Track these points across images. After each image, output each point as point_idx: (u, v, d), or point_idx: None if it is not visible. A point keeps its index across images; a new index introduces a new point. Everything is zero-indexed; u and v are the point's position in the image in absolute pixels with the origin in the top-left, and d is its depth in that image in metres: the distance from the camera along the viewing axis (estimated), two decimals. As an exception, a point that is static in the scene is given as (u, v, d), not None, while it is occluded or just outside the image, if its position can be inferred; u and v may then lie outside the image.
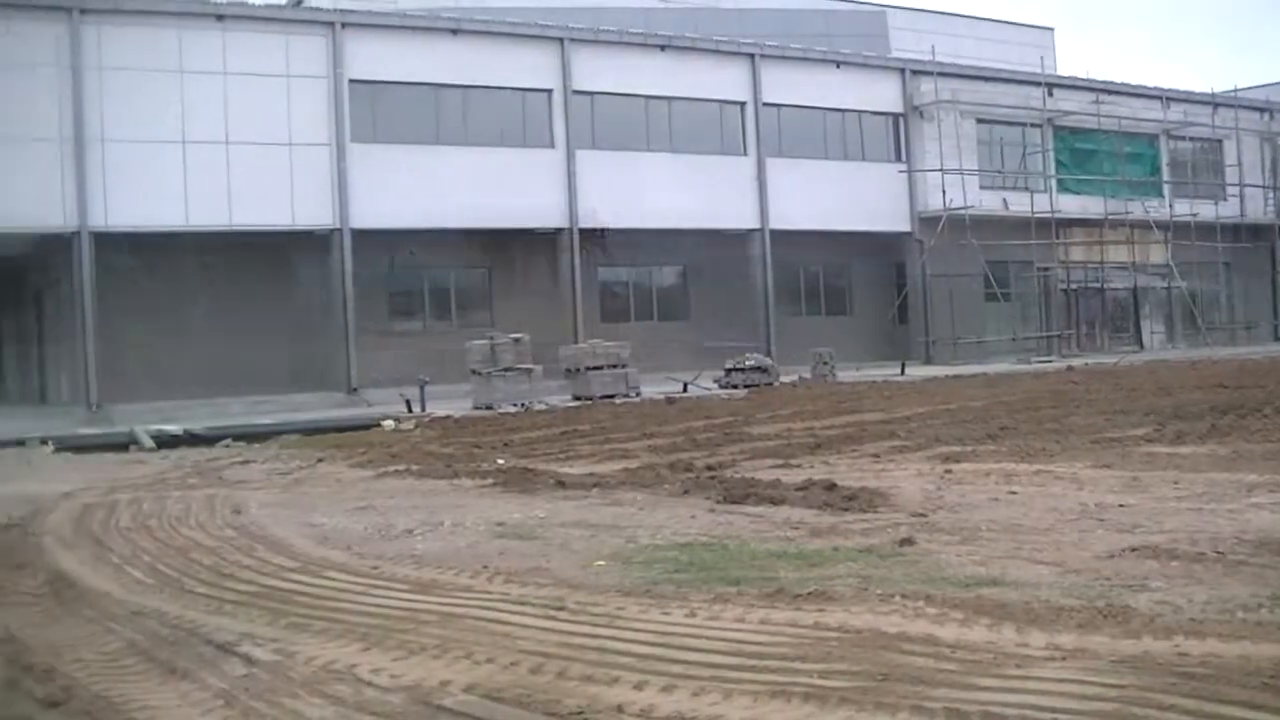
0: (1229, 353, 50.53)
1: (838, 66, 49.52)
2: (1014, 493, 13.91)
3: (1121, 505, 12.73)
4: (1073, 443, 19.09)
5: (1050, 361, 47.64)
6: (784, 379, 38.34)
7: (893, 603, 8.40)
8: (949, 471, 15.99)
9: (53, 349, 41.85)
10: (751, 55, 47.12)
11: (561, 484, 16.02)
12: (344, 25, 39.48)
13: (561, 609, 8.74)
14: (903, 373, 41.99)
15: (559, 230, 42.85)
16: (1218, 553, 10.03)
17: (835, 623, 7.91)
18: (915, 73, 51.24)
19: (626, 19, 49.07)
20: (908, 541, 10.84)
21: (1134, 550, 10.20)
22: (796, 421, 24.88)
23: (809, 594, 8.73)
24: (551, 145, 42.98)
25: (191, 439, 26.73)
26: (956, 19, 65.64)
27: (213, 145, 36.90)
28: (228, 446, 25.45)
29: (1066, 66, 70.87)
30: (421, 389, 32.88)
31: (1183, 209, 57.33)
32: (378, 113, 40.30)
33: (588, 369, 34.70)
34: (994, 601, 8.36)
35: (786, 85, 47.50)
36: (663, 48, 45.62)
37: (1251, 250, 60.54)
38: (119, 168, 35.71)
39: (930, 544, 10.83)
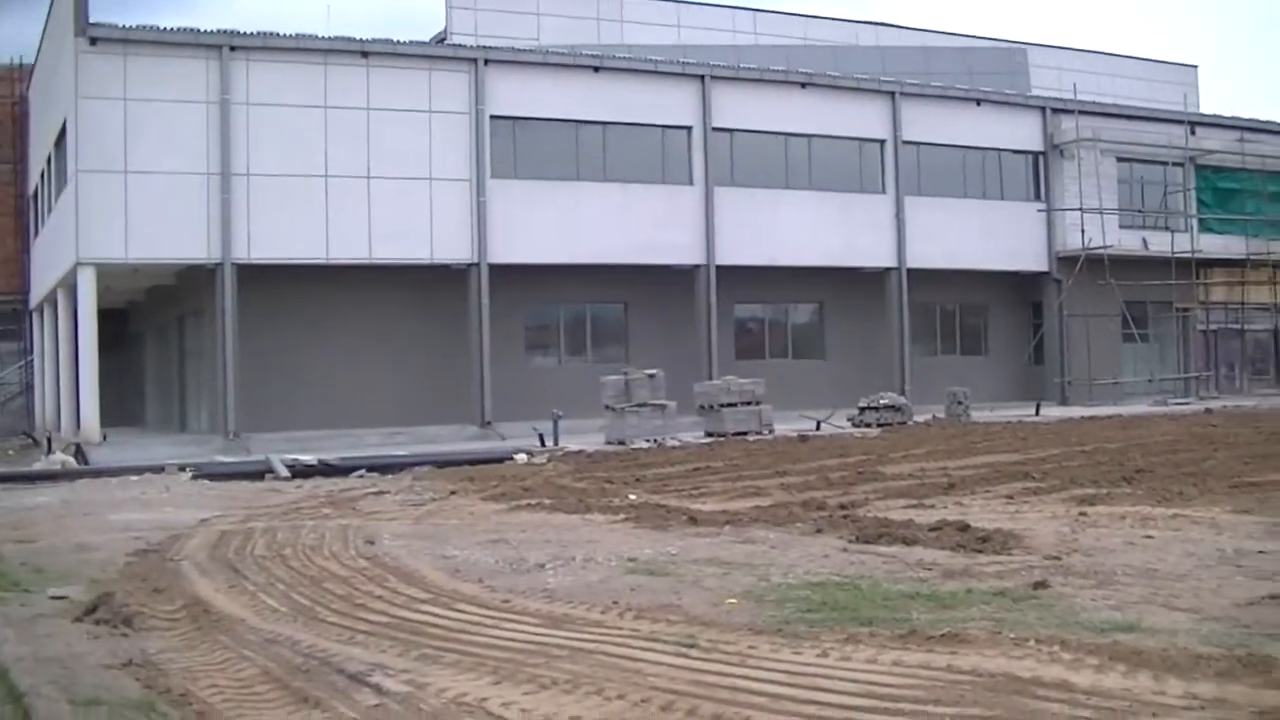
0: (1376, 396, 49.51)
1: (978, 104, 49.21)
2: (1150, 537, 13.74)
3: (1261, 551, 12.55)
4: (1211, 486, 18.79)
5: (1188, 403, 46.95)
6: (918, 418, 38.09)
7: (1026, 646, 8.33)
8: (1083, 514, 15.82)
9: (193, 378, 42.55)
10: (891, 93, 46.95)
11: (694, 520, 16.05)
12: (486, 62, 39.89)
13: (693, 646, 8.76)
14: (1037, 413, 41.52)
15: (696, 266, 42.90)
16: (1360, 600, 9.86)
17: (968, 666, 7.87)
18: (1055, 111, 50.74)
19: (767, 57, 49.21)
20: (1042, 584, 10.75)
21: (1274, 598, 10.05)
22: (930, 461, 24.73)
23: (942, 636, 8.69)
24: (690, 182, 43.08)
25: (326, 469, 27.00)
26: (1098, 56, 65.03)
27: (355, 180, 37.46)
28: (361, 477, 25.72)
29: (1209, 105, 69.89)
30: (555, 423, 33.06)
31: (1327, 249, 56.19)
32: (518, 148, 40.66)
33: (721, 405, 34.70)
34: (1130, 647, 8.25)
35: (926, 123, 47.30)
36: (803, 85, 45.58)
37: (1396, 291, 59.17)
38: (262, 201, 36.37)
39: (1064, 587, 10.73)
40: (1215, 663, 7.77)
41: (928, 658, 8.14)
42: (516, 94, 40.31)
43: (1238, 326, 55.54)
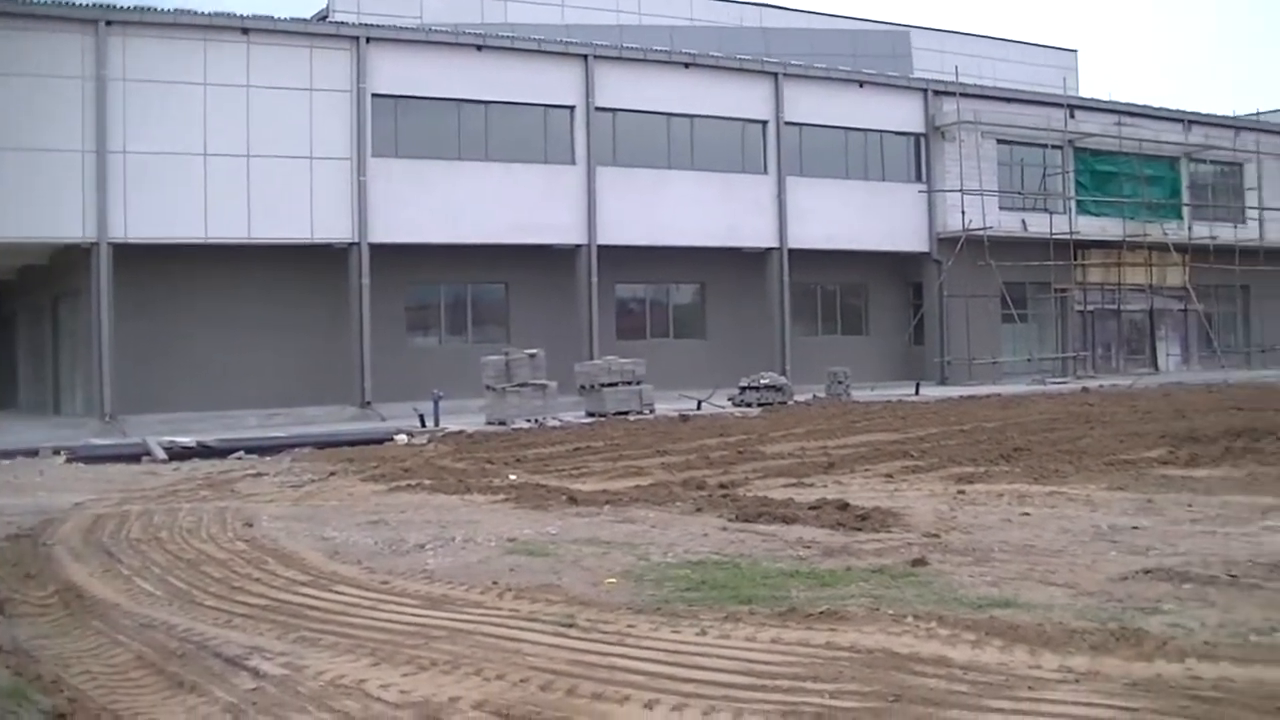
0: (1245, 376, 50.40)
1: (860, 86, 49.49)
2: (1027, 514, 13.92)
3: (1135, 527, 12.75)
4: (1087, 465, 19.09)
5: (1065, 383, 47.51)
6: (798, 398, 38.27)
7: (905, 623, 8.38)
8: (962, 492, 16.01)
9: (68, 359, 41.77)
10: (775, 74, 47.07)
11: (574, 501, 16.02)
12: (368, 40, 39.45)
13: (572, 626, 8.74)
14: (917, 393, 41.91)
15: (577, 246, 42.81)
16: (1231, 575, 10.05)
17: (847, 643, 7.90)
18: (937, 93, 51.17)
19: (651, 37, 49.14)
20: (920, 562, 10.84)
21: (1147, 573, 10.22)
22: (810, 440, 24.87)
23: (821, 613, 8.73)
24: (572, 161, 42.95)
25: (204, 451, 26.74)
26: (980, 40, 65.72)
27: (234, 158, 36.88)
28: (240, 459, 25.48)
29: (1089, 88, 71.03)
30: (436, 404, 32.87)
31: (1202, 231, 57.13)
32: (400, 127, 40.27)
33: (602, 385, 34.65)
34: (1006, 623, 8.35)
35: (809, 104, 47.48)
36: (686, 65, 45.57)
37: (1270, 273, 60.28)
38: (139, 179, 35.68)
39: (943, 565, 10.84)
40: (1089, 636, 7.88)
41: (807, 635, 8.17)
42: (399, 72, 39.94)
43: (1114, 307, 56.31)
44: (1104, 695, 6.61)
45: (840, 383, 40.15)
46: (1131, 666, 7.15)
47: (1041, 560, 10.99)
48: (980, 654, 7.56)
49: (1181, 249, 56.26)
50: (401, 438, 28.64)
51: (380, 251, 38.97)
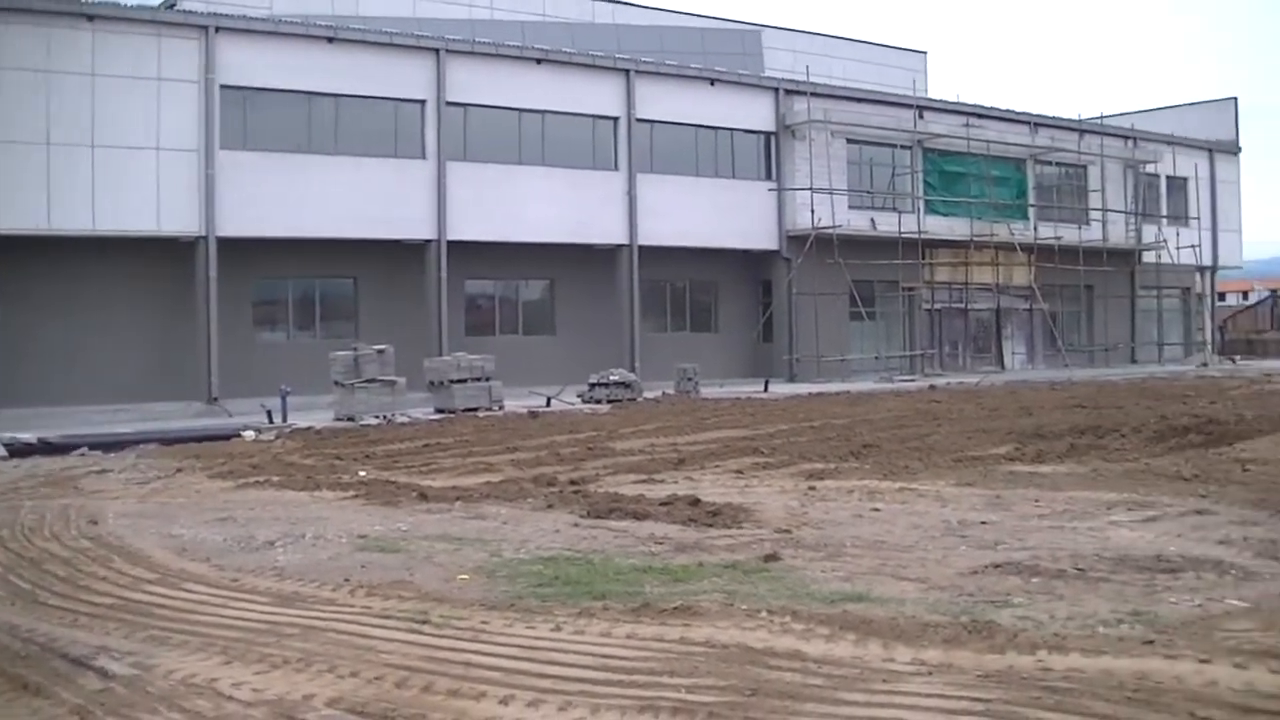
0: (1088, 374, 51.49)
1: (712, 84, 49.70)
2: (877, 510, 14.07)
3: (984, 522, 12.94)
4: (935, 461, 19.38)
5: (913, 380, 48.11)
6: (648, 394, 38.38)
7: (759, 618, 8.43)
8: (813, 488, 16.13)
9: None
10: (626, 71, 47.12)
11: (424, 497, 15.93)
12: (217, 29, 38.75)
13: (426, 623, 8.69)
14: (766, 390, 42.22)
15: (427, 241, 42.52)
16: (1078, 569, 10.25)
17: (701, 638, 7.93)
18: (788, 92, 51.52)
19: (503, 32, 48.98)
20: (772, 557, 10.92)
21: (997, 567, 10.39)
22: (660, 437, 24.96)
23: (675, 609, 8.75)
24: (423, 156, 42.62)
25: (46, 447, 26.13)
26: (831, 40, 66.26)
27: (78, 148, 36.08)
28: (84, 455, 24.93)
29: (938, 90, 72.01)
30: (284, 400, 32.50)
31: (1047, 232, 58.17)
32: (249, 119, 39.66)
33: (451, 382, 34.47)
34: (859, 617, 8.44)
35: (660, 102, 47.61)
36: (539, 61, 45.44)
37: (1112, 274, 61.57)
38: (-24, 168, 34.90)
39: (795, 560, 10.92)
40: (942, 630, 7.99)
41: (661, 630, 8.19)
42: (248, 64, 39.36)
43: (961, 306, 57.14)
44: (957, 687, 6.69)
45: (689, 379, 40.34)
46: (984, 659, 7.26)
47: (893, 555, 11.13)
48: (834, 648, 7.63)
49: (1027, 249, 57.22)
50: (249, 434, 28.26)
51: (228, 245, 38.41)
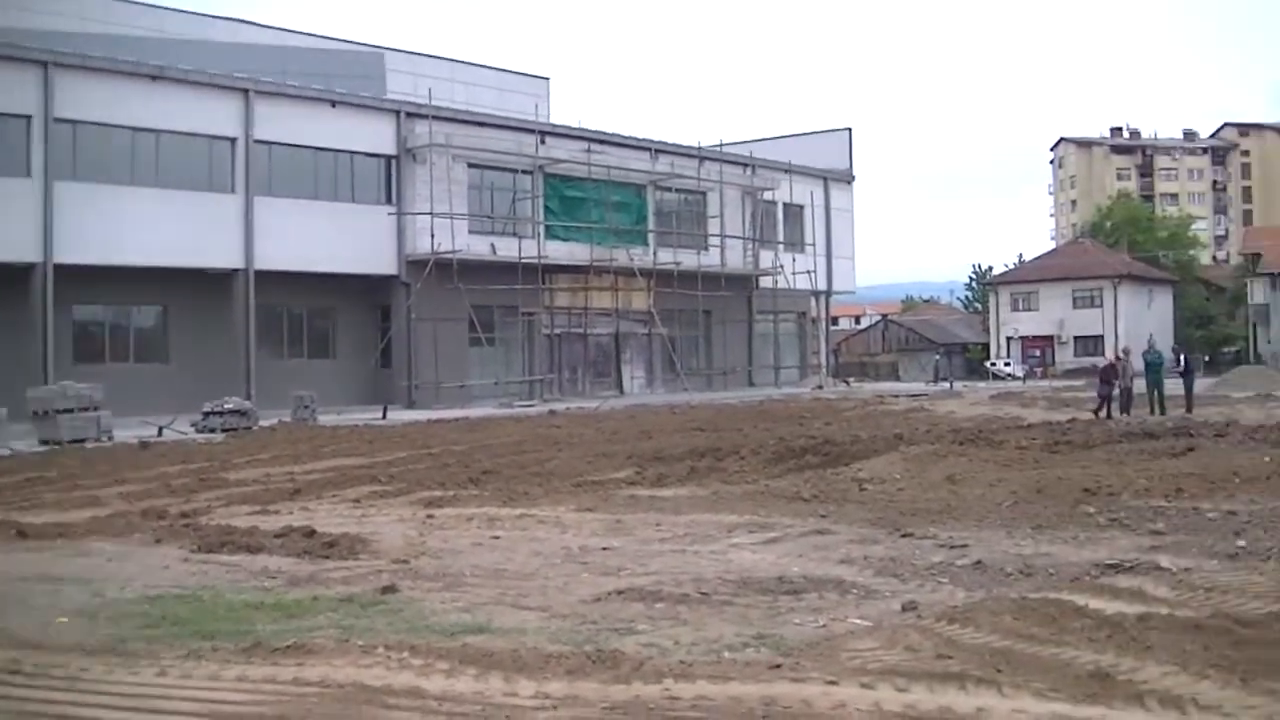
0: (707, 397, 52.53)
1: (333, 105, 49.02)
2: (497, 537, 13.89)
3: (605, 548, 12.87)
4: (555, 486, 19.34)
5: (533, 406, 48.24)
6: (264, 423, 37.46)
7: (376, 654, 8.07)
8: (431, 516, 15.89)
9: None
10: (245, 90, 46.09)
11: (23, 534, 15.00)
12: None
13: (17, 673, 8.03)
14: (385, 416, 41.72)
15: (32, 265, 40.68)
16: (702, 593, 10.22)
17: (316, 677, 7.53)
18: (410, 115, 51.22)
19: (116, 47, 47.23)
20: (390, 589, 10.60)
21: (620, 593, 10.29)
22: (276, 466, 24.32)
23: (288, 647, 8.32)
24: (28, 174, 40.79)
25: None
26: (454, 64, 66.21)
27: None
28: None
29: (560, 115, 72.52)
30: None
31: (666, 257, 59.24)
32: None
33: (57, 412, 32.98)
34: (480, 650, 8.16)
35: (280, 123, 46.69)
36: (153, 78, 44.00)
37: (730, 298, 63.12)
38: None
39: (413, 591, 10.63)
40: (565, 660, 7.78)
41: (274, 670, 7.76)
42: None
43: (581, 330, 57.69)
44: (582, 721, 6.50)
45: (306, 407, 39.60)
46: (609, 689, 7.08)
47: (514, 584, 10.94)
48: (455, 683, 7.34)
49: (646, 274, 58.19)
50: None
51: None
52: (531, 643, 8.48)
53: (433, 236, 49.22)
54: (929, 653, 7.70)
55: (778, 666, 7.52)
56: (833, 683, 7.01)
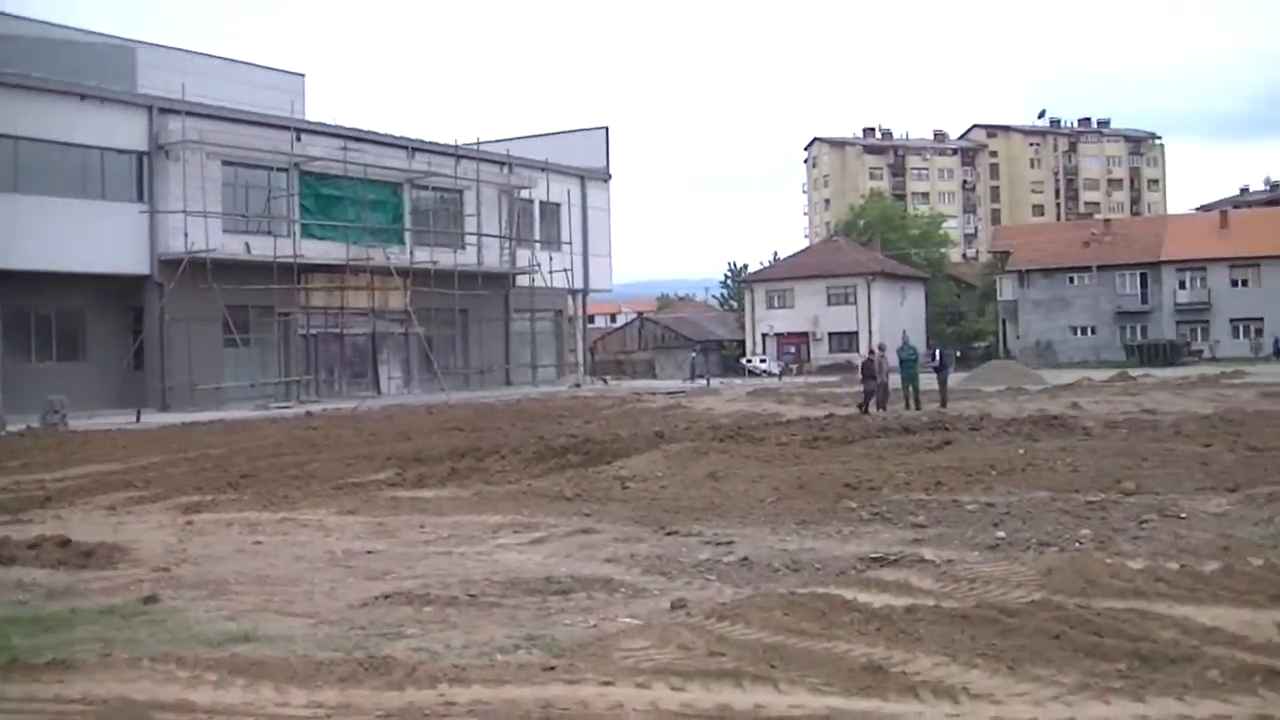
0: (465, 397, 52.30)
1: (82, 100, 47.61)
2: (259, 542, 13.71)
3: (370, 551, 12.79)
4: (316, 489, 19.16)
5: (290, 407, 47.53)
6: (12, 429, 36.32)
7: (140, 667, 7.86)
8: (191, 522, 15.60)
9: None
10: (-14, 83, 44.63)
11: None
12: None
13: None
14: (139, 420, 40.74)
15: None
16: (470, 595, 10.22)
17: (78, 693, 7.32)
18: (163, 110, 50.00)
19: None
20: (152, 599, 10.37)
21: (387, 597, 10.23)
22: (25, 474, 23.53)
23: (48, 663, 8.05)
24: None
25: None
26: (208, 59, 64.48)
27: None
28: None
29: (316, 112, 71.59)
30: None
31: (423, 256, 58.84)
32: None
33: None
34: (249, 659, 8.02)
35: (24, 117, 45.18)
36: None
37: (487, 297, 62.98)
38: None
39: (176, 600, 10.42)
40: (336, 668, 7.68)
41: (33, 689, 7.50)
42: None
43: (337, 331, 57.03)
44: (356, 730, 6.42)
45: (56, 412, 38.38)
46: (383, 696, 7.00)
47: (279, 590, 10.79)
48: (224, 695, 7.19)
49: (403, 273, 57.73)
50: None
51: None
52: (301, 650, 8.37)
53: (186, 235, 48.18)
54: (702, 650, 7.76)
55: (552, 668, 7.52)
56: (608, 683, 7.03)
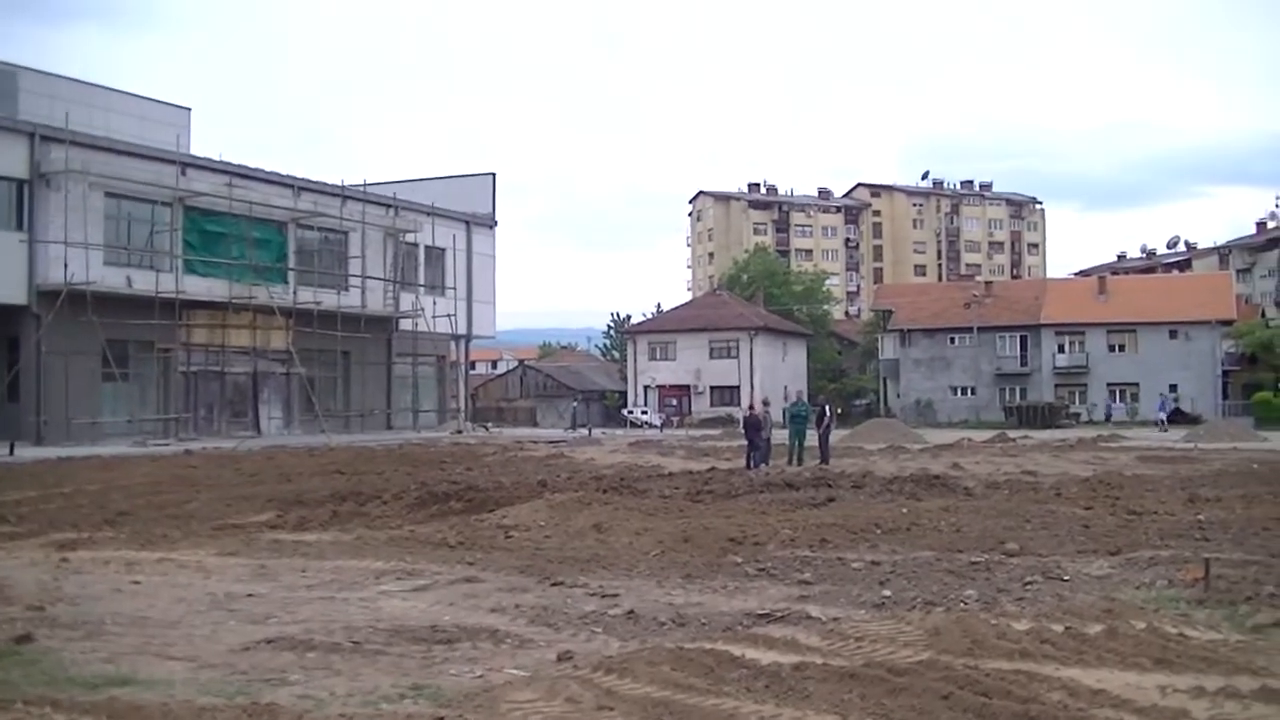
0: (346, 439, 51.90)
1: (-42, 124, 46.93)
2: (137, 582, 13.45)
3: (251, 594, 12.60)
4: (195, 529, 18.90)
5: (168, 445, 46.87)
6: (-119, 457, 35.59)
7: (14, 710, 7.66)
8: (66, 560, 15.28)
9: None
10: None
11: None
12: None
13: None
14: (12, 453, 39.96)
15: None
16: (354, 642, 10.08)
17: (-53, 738, 7.12)
18: (45, 138, 49.25)
19: None
20: (26, 638, 10.12)
21: (270, 642, 10.07)
22: (-107, 507, 23.01)
23: (-90, 709, 7.83)
24: None
25: None
26: (93, 89, 63.61)
27: None
28: None
29: (202, 147, 70.89)
30: None
31: (306, 296, 58.41)
32: None
33: None
34: (127, 703, 7.83)
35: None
36: None
37: (370, 340, 62.67)
38: None
39: (51, 640, 10.17)
40: (219, 714, 7.55)
41: (-101, 733, 7.29)
42: None
43: (218, 369, 56.39)
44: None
45: (-73, 442, 37.68)
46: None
47: (158, 632, 10.57)
48: (99, 739, 7.03)
49: (286, 313, 57.30)
50: None
51: None
52: (181, 695, 8.20)
53: (66, 266, 47.52)
54: (590, 704, 7.70)
55: (440, 719, 7.43)
56: (496, 735, 6.95)
